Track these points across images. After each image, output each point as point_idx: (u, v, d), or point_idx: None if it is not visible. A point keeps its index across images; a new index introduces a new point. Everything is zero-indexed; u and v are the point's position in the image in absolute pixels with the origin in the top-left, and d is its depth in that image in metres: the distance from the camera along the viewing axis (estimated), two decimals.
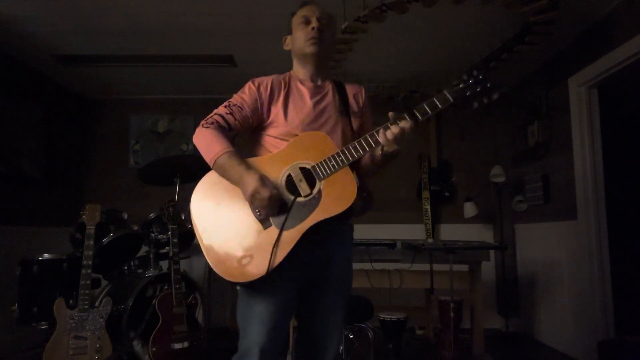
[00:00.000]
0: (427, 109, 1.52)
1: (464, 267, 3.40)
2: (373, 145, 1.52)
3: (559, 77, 3.76)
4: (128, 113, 5.02)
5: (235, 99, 1.63)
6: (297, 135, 1.58)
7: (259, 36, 3.58)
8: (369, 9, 2.81)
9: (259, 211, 1.49)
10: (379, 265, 3.20)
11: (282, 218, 1.47)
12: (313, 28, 1.63)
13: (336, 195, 1.48)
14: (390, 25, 3.06)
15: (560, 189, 3.80)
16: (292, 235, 1.46)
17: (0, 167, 3.74)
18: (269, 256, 1.44)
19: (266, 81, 1.65)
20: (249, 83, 1.66)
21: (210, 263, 1.50)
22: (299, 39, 1.67)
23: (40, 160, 4.23)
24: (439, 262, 3.09)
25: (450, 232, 4.75)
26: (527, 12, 2.81)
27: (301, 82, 1.70)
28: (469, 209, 4.53)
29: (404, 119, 1.50)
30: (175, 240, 2.93)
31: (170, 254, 2.92)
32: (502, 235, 4.57)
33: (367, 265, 3.17)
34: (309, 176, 1.51)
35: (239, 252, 1.48)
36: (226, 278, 1.47)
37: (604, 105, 3.54)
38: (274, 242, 1.45)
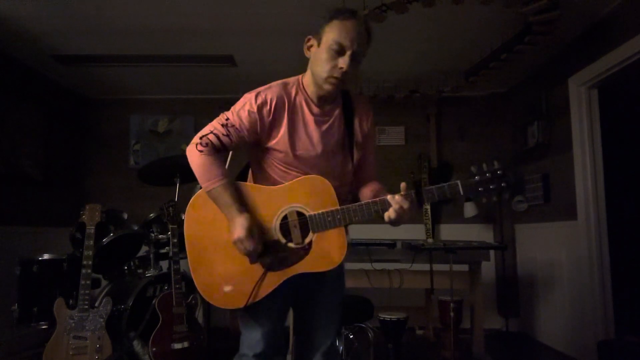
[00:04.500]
0: (435, 195, 1.47)
1: (464, 267, 3.40)
2: (373, 214, 1.49)
3: (559, 77, 3.76)
4: (128, 113, 5.02)
5: (234, 118, 1.51)
6: (296, 165, 1.54)
7: (259, 36, 3.58)
8: (369, 9, 2.81)
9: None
10: (379, 265, 3.20)
11: (268, 259, 1.50)
12: (341, 68, 1.45)
13: (325, 254, 1.50)
14: (390, 25, 3.06)
15: (560, 189, 3.80)
16: (274, 278, 1.49)
17: (0, 167, 3.74)
18: (250, 292, 1.48)
19: (269, 100, 1.50)
20: (251, 101, 1.50)
21: (193, 279, 1.53)
22: (322, 68, 1.48)
23: (40, 160, 4.23)
24: (439, 262, 3.09)
25: (450, 232, 4.75)
26: (527, 12, 2.81)
27: (307, 104, 1.56)
28: (469, 209, 4.53)
29: (411, 199, 1.45)
30: (175, 240, 2.92)
31: (170, 254, 2.92)
32: (502, 235, 4.57)
33: (367, 265, 3.17)
34: (304, 223, 1.50)
35: (222, 280, 1.51)
36: (207, 300, 1.52)
37: (604, 105, 3.53)
38: (256, 280, 1.48)
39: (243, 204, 1.50)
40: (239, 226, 1.45)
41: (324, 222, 1.49)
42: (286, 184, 1.54)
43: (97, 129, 5.02)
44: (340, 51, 1.45)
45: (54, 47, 3.77)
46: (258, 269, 1.49)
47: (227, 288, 1.50)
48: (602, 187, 3.44)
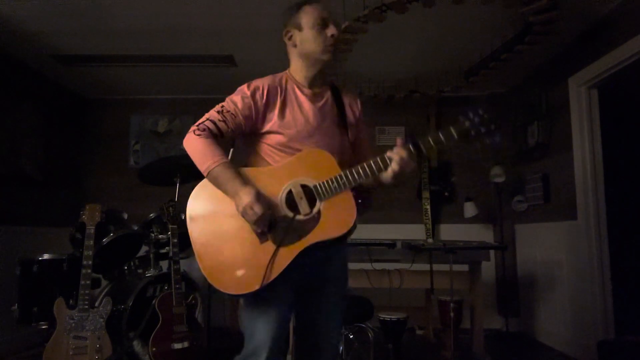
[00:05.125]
0: (432, 142, 1.50)
1: (464, 267, 3.40)
2: (376, 172, 1.51)
3: (559, 77, 3.76)
4: (128, 113, 5.02)
5: (229, 104, 1.57)
6: (294, 146, 1.56)
7: (259, 36, 3.58)
8: (369, 9, 2.81)
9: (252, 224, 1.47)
10: (379, 265, 3.20)
11: (279, 234, 1.47)
12: (332, 35, 1.57)
13: (335, 218, 1.48)
14: (390, 25, 3.06)
15: (560, 189, 3.80)
16: (287, 253, 1.46)
17: (0, 167, 3.74)
18: (263, 272, 1.43)
19: (262, 86, 1.58)
20: (244, 88, 1.59)
21: (203, 271, 1.49)
22: (315, 43, 1.58)
23: (40, 160, 4.23)
24: (439, 262, 3.09)
25: (450, 232, 4.74)
26: (527, 12, 2.81)
27: (299, 88, 1.64)
28: (469, 209, 4.53)
29: (409, 149, 1.49)
30: (175, 240, 2.93)
31: (170, 254, 2.92)
32: (502, 235, 4.57)
33: (367, 265, 3.17)
34: (310, 195, 1.50)
35: (233, 264, 1.47)
36: (219, 288, 1.47)
37: (604, 105, 3.53)
38: (269, 257, 1.44)
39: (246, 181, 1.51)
40: (245, 194, 1.44)
41: (329, 189, 1.49)
42: (286, 161, 1.55)
43: (97, 129, 5.02)
44: (324, 24, 1.59)
45: (54, 47, 3.77)
46: (269, 247, 1.46)
47: (240, 272, 1.46)
48: (602, 187, 3.44)
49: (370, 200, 1.84)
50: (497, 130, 1.52)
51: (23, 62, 4.06)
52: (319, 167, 1.52)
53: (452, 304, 3.09)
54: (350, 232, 1.51)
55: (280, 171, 1.54)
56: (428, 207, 4.74)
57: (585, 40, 3.46)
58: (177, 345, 2.79)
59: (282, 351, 1.62)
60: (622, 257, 3.57)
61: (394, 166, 1.48)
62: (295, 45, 1.63)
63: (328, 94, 1.69)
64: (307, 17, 1.59)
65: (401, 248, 3.22)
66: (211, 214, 1.53)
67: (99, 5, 3.12)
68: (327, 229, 1.47)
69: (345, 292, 1.71)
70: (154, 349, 2.74)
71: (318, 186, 1.49)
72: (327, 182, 1.49)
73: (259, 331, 1.52)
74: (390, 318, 3.13)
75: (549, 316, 3.98)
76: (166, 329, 2.78)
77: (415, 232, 4.66)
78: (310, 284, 1.61)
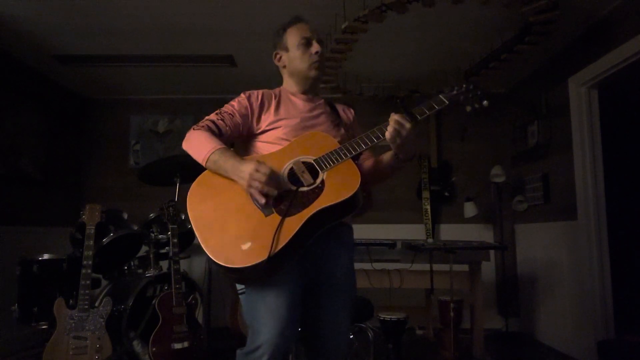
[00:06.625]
0: (425, 109, 1.58)
1: (464, 267, 3.40)
2: (375, 140, 1.55)
3: (559, 77, 3.76)
4: (128, 113, 5.02)
5: (226, 107, 1.65)
6: (292, 138, 1.60)
7: (259, 36, 3.58)
8: (369, 9, 2.81)
9: (259, 193, 1.45)
10: (379, 265, 3.21)
11: (284, 207, 1.45)
12: (317, 52, 1.69)
13: (340, 183, 1.48)
14: (390, 25, 3.06)
15: (560, 189, 3.80)
16: (294, 222, 1.43)
17: (1, 167, 3.74)
18: (271, 242, 1.40)
19: (257, 93, 1.69)
20: (241, 95, 1.69)
21: (206, 250, 1.44)
22: (301, 62, 1.70)
23: (40, 160, 4.23)
24: (439, 262, 3.10)
25: (450, 232, 4.74)
26: (527, 12, 2.81)
27: (293, 95, 1.75)
28: (469, 209, 4.53)
29: (402, 115, 1.53)
30: (175, 240, 2.93)
31: (170, 254, 2.92)
32: (502, 235, 4.57)
33: (367, 265, 3.17)
34: (312, 169, 1.52)
35: (239, 239, 1.43)
36: (224, 264, 1.41)
37: (604, 105, 3.53)
38: (275, 228, 1.42)
39: None
40: (248, 163, 1.46)
41: (330, 160, 1.52)
42: (283, 146, 1.59)
43: (97, 129, 5.02)
44: (307, 43, 1.70)
45: (54, 47, 3.77)
46: (275, 219, 1.44)
47: (246, 245, 1.42)
48: (602, 187, 3.44)
49: (370, 200, 1.84)
50: (483, 96, 1.63)
51: (23, 62, 4.06)
52: (317, 145, 1.56)
53: (452, 304, 3.10)
54: (355, 204, 1.49)
55: (280, 154, 1.57)
56: (428, 207, 4.74)
57: (585, 40, 3.46)
58: (177, 345, 2.79)
59: (288, 350, 1.58)
60: (622, 257, 3.57)
61: (389, 129, 1.51)
62: (284, 66, 1.77)
63: (321, 100, 1.79)
64: (292, 38, 1.72)
65: (401, 248, 3.22)
66: (212, 197, 1.52)
67: (99, 5, 3.12)
68: (333, 195, 1.46)
69: (352, 296, 1.69)
70: (154, 349, 2.73)
71: (319, 159, 1.53)
72: (328, 154, 1.53)
73: (263, 324, 1.48)
74: (390, 318, 3.13)
75: (549, 316, 3.98)
76: (166, 329, 2.78)
77: (415, 232, 4.66)
78: (315, 287, 1.60)
